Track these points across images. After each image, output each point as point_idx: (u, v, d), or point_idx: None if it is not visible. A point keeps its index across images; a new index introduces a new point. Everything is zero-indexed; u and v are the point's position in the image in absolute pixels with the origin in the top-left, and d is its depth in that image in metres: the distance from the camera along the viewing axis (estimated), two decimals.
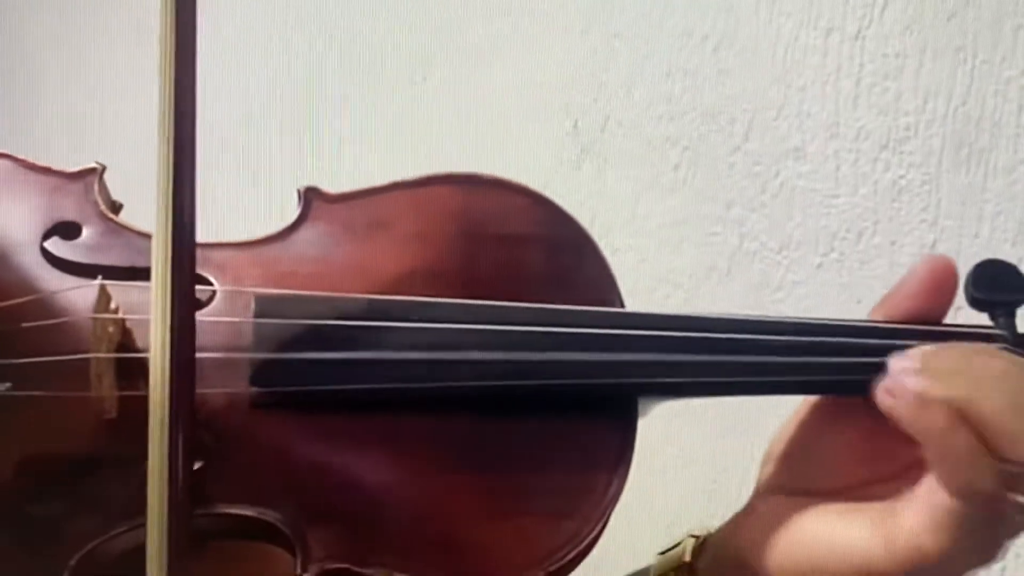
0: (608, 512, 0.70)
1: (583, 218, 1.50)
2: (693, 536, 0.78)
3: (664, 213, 1.48)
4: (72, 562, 0.67)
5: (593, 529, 0.70)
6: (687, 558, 0.77)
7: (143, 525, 0.64)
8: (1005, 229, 1.25)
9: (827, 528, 0.69)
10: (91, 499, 0.69)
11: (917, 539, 0.65)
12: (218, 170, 1.78)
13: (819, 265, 1.37)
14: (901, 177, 1.30)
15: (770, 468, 0.75)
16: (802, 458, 0.73)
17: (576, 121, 1.54)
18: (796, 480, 0.73)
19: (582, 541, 0.69)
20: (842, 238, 1.35)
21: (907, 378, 0.64)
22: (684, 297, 1.48)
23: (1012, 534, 0.67)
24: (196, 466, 0.68)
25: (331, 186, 0.78)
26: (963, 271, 0.72)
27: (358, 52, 1.72)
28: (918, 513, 0.66)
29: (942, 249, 1.29)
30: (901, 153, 1.30)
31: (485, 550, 0.69)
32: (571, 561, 0.69)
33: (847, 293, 1.36)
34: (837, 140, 1.34)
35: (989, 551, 0.66)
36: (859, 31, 1.32)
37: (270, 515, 0.68)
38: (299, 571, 0.67)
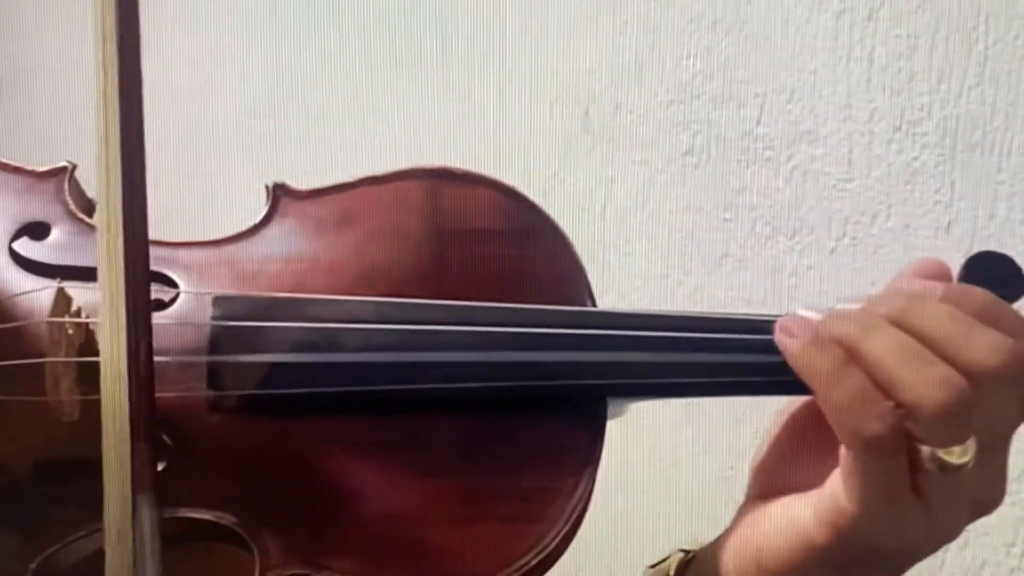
0: (576, 515, 0.69)
1: (595, 205, 1.50)
2: (682, 551, 0.76)
3: (676, 199, 1.47)
4: (33, 565, 0.67)
5: (560, 533, 0.68)
6: (671, 573, 0.75)
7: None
8: (1021, 210, 1.23)
9: (775, 513, 0.68)
10: (53, 503, 0.68)
11: (834, 499, 0.64)
12: (222, 170, 1.79)
13: (833, 250, 1.36)
14: (915, 159, 1.29)
15: (752, 480, 0.73)
16: (780, 463, 0.71)
17: (587, 108, 1.52)
18: (773, 485, 0.71)
19: (548, 545, 0.68)
20: (856, 222, 1.34)
21: (805, 316, 0.64)
22: (697, 283, 1.46)
23: (965, 505, 0.65)
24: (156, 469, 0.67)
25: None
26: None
27: (367, 41, 1.71)
28: (835, 474, 0.64)
29: (957, 232, 1.27)
30: (915, 135, 1.28)
31: (448, 556, 0.68)
32: (538, 566, 0.68)
33: (861, 277, 1.34)
34: (850, 123, 1.33)
35: (932, 520, 0.64)
36: (871, 12, 1.30)
37: (229, 519, 0.68)
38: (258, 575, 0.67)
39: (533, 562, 0.68)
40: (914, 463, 0.61)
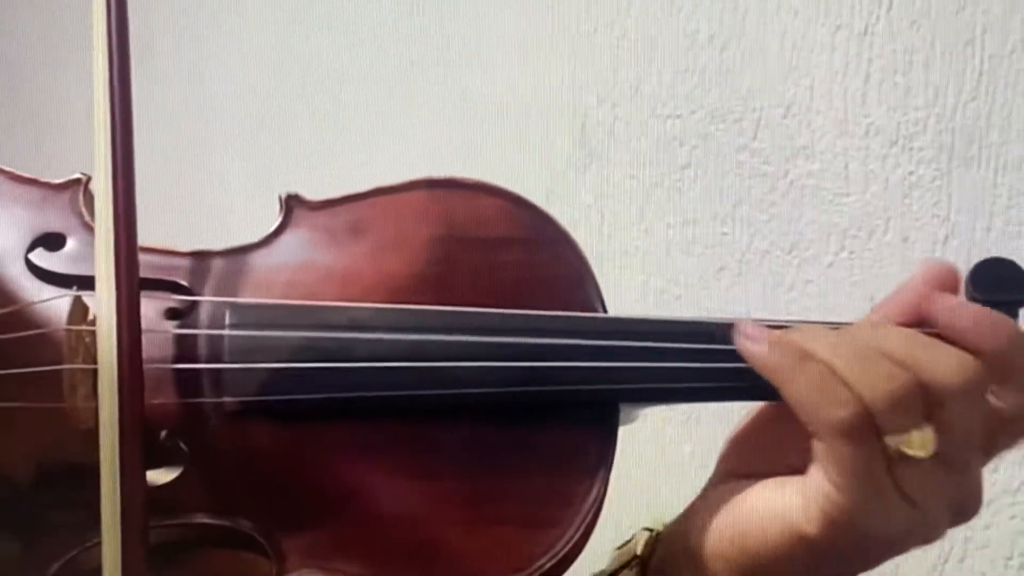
0: (589, 519, 0.70)
1: (592, 219, 1.50)
2: (647, 529, 0.77)
3: (673, 213, 1.47)
4: (51, 572, 0.67)
5: (573, 537, 0.69)
6: (638, 551, 0.76)
7: None
8: (1018, 223, 1.24)
9: (761, 499, 0.69)
10: (70, 509, 0.69)
11: (824, 490, 0.65)
12: (224, 174, 1.79)
13: (830, 264, 1.36)
14: (911, 173, 1.29)
15: (724, 456, 0.75)
16: (755, 445, 0.73)
17: (583, 123, 1.53)
18: (747, 465, 0.72)
19: (562, 549, 0.69)
20: (853, 236, 1.34)
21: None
22: (695, 298, 1.47)
23: (948, 506, 0.66)
24: (173, 475, 0.68)
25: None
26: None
27: (365, 56, 1.72)
28: (815, 465, 0.66)
29: (954, 245, 1.28)
30: (911, 149, 1.29)
31: (461, 559, 0.68)
32: (552, 569, 0.68)
33: (859, 291, 1.35)
34: (846, 137, 1.33)
35: (917, 515, 0.65)
36: (867, 27, 1.31)
37: (245, 524, 0.68)
38: None
39: (547, 565, 0.68)
40: (885, 455, 0.64)
